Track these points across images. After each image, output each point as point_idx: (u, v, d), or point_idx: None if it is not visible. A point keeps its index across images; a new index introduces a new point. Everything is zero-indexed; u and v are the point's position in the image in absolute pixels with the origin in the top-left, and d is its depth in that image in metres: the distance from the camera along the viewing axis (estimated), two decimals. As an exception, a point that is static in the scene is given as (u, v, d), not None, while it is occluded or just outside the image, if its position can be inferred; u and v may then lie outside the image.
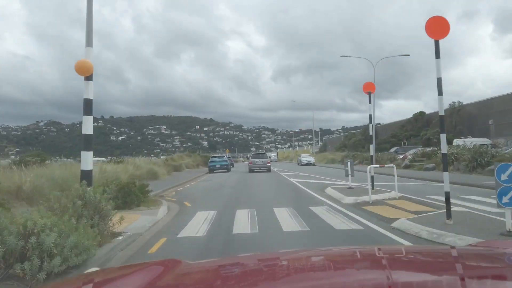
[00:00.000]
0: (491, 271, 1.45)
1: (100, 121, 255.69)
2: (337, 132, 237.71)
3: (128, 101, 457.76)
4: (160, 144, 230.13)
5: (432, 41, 7.49)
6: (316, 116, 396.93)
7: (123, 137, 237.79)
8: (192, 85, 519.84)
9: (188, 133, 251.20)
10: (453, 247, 2.07)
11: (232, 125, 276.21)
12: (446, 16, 7.65)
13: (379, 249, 1.97)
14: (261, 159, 31.59)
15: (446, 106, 25.55)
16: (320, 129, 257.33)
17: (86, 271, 1.99)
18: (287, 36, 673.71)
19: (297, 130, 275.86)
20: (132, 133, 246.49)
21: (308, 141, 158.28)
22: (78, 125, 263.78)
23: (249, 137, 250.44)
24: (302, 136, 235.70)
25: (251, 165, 31.14)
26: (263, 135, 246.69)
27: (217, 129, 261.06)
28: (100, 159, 39.69)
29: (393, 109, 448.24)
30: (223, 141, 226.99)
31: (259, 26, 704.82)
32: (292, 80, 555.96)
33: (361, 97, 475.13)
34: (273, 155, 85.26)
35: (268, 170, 30.76)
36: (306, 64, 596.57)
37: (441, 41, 7.49)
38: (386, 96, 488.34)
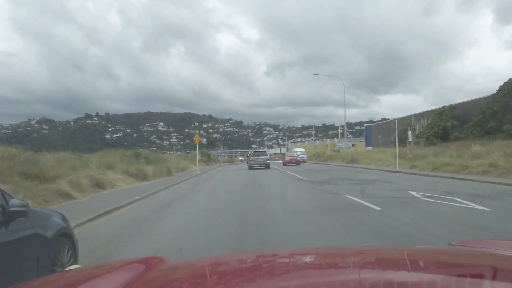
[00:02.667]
0: (471, 270, 1.46)
1: (94, 118, 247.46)
2: (342, 128, 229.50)
3: (124, 98, 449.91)
4: (157, 141, 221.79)
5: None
6: (313, 112, 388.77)
7: (118, 135, 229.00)
8: (186, 82, 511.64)
9: (186, 130, 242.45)
10: (433, 246, 2.35)
11: (232, 121, 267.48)
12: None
13: (373, 247, 2.10)
14: (261, 157, 32.47)
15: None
16: (324, 124, 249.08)
17: (66, 269, 1.88)
18: (280, 29, 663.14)
19: (299, 126, 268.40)
20: (128, 130, 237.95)
21: (312, 137, 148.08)
22: (72, 123, 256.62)
23: (250, 134, 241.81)
24: (304, 132, 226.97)
25: (252, 162, 31.97)
26: (264, 132, 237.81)
27: (216, 125, 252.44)
28: None
29: (392, 104, 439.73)
30: (223, 138, 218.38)
31: (251, 19, 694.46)
32: (288, 75, 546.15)
33: (359, 93, 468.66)
34: (298, 150, 54.69)
35: (268, 167, 31.77)
36: (301, 59, 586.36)
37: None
38: (384, 91, 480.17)
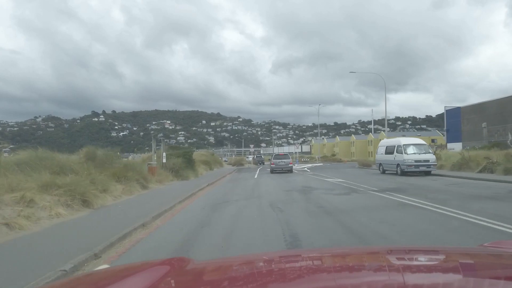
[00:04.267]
0: (504, 272, 1.41)
1: (101, 116, 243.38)
2: (354, 127, 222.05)
3: (131, 96, 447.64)
4: (164, 140, 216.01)
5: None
6: (321, 110, 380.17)
7: (124, 133, 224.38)
8: (193, 80, 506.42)
9: (194, 128, 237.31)
10: (464, 248, 2.19)
11: (241, 119, 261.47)
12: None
13: (389, 249, 1.95)
14: (283, 160, 31.07)
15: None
16: (335, 123, 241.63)
17: (95, 269, 1.91)
18: (288, 26, 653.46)
19: (310, 125, 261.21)
20: (134, 128, 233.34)
21: (323, 136, 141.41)
22: (78, 121, 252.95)
23: (259, 132, 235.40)
24: (315, 131, 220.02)
25: (273, 165, 30.79)
26: (274, 130, 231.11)
27: (224, 123, 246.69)
28: None
29: (402, 103, 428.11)
30: (231, 137, 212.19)
31: (257, 15, 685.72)
32: (296, 72, 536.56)
33: (368, 91, 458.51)
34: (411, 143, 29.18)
35: (290, 170, 30.66)
36: (309, 56, 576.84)
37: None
38: (394, 89, 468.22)
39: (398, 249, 2.18)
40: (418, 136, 72.54)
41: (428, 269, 1.55)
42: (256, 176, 25.81)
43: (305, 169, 35.69)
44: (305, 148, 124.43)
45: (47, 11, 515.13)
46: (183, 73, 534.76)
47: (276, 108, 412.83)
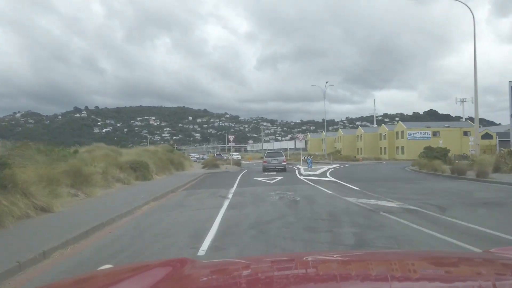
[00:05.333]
0: (505, 278, 1.41)
1: (83, 112, 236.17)
2: (342, 123, 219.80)
3: (115, 93, 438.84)
4: (148, 136, 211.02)
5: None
6: (307, 107, 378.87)
7: (107, 129, 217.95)
8: (178, 77, 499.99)
9: (180, 124, 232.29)
10: (468, 253, 2.11)
11: (228, 116, 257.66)
12: None
13: (392, 253, 1.98)
14: (276, 158, 29.75)
15: None
16: (323, 119, 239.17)
17: (99, 268, 1.81)
18: (273, 23, 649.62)
19: (298, 121, 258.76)
20: (118, 124, 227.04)
21: (311, 132, 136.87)
22: (60, 117, 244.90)
23: (246, 129, 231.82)
24: (304, 128, 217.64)
25: (266, 164, 29.50)
26: (262, 127, 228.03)
27: (211, 120, 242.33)
28: None
29: (387, 101, 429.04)
30: (218, 133, 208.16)
31: (241, 11, 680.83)
32: (281, 69, 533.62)
33: (354, 88, 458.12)
34: None
35: (284, 169, 29.14)
36: (293, 52, 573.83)
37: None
38: (379, 86, 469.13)
39: (401, 254, 2.13)
40: (447, 127, 66.07)
41: (433, 275, 1.52)
42: (230, 194, 13.76)
43: (329, 176, 22.68)
44: (300, 144, 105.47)
45: (22, 3, 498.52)
46: (167, 69, 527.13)
47: (262, 104, 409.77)
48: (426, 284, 1.36)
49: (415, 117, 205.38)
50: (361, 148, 78.80)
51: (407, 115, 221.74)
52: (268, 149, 41.31)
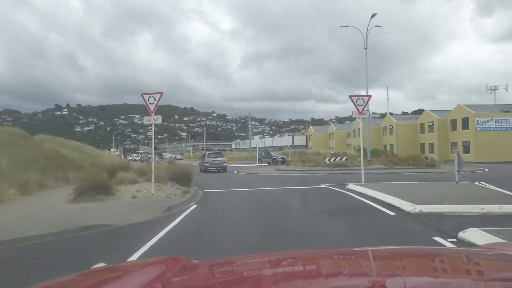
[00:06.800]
0: (498, 273, 1.41)
1: (64, 110, 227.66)
2: (331, 122, 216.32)
3: (98, 90, 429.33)
4: (132, 135, 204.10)
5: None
6: (294, 107, 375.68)
7: (90, 127, 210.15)
8: (163, 75, 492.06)
9: (166, 123, 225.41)
10: (457, 249, 2.05)
11: (215, 114, 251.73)
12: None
13: (377, 250, 1.98)
14: (217, 158, 30.27)
15: None
16: (312, 118, 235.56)
17: (92, 267, 1.77)
18: (259, 21, 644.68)
19: (287, 120, 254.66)
20: (101, 123, 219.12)
21: (294, 134, 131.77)
22: (40, 114, 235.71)
23: (234, 128, 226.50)
24: (292, 127, 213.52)
25: (207, 164, 29.45)
26: (249, 126, 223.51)
27: (198, 119, 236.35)
28: None
29: (373, 100, 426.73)
30: (205, 132, 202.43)
31: (226, 8, 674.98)
32: (267, 67, 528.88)
33: (339, 87, 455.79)
34: None
35: (225, 170, 29.53)
36: (279, 51, 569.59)
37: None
38: (365, 85, 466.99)
39: (386, 251, 2.13)
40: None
41: (420, 271, 1.52)
42: None
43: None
44: (298, 140, 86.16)
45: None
46: (151, 66, 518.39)
47: (250, 103, 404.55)
48: (415, 279, 1.34)
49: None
50: (391, 145, 56.65)
51: (396, 114, 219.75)
52: (209, 151, 39.57)
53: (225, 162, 30.38)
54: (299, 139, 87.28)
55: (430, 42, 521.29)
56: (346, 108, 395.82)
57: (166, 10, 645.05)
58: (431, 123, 52.50)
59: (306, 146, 79.01)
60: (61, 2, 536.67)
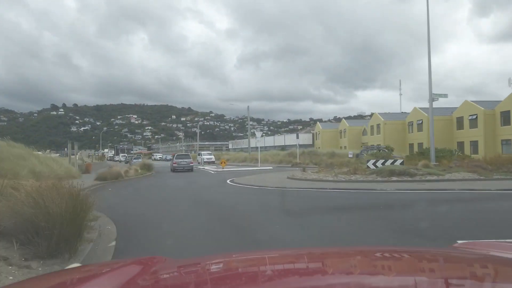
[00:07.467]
0: (475, 272, 1.44)
1: (60, 110, 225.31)
2: (331, 123, 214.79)
3: (95, 90, 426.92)
4: (129, 135, 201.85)
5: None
6: (292, 107, 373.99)
7: (86, 127, 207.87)
8: (160, 75, 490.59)
9: (163, 123, 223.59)
10: (435, 249, 2.07)
11: (213, 114, 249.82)
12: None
13: (357, 249, 1.96)
14: (184, 160, 33.23)
15: None
16: (311, 119, 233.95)
17: (67, 267, 1.73)
18: (254, 18, 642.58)
19: (285, 121, 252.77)
20: (98, 123, 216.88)
21: (299, 132, 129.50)
22: (35, 114, 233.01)
23: (232, 128, 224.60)
24: (291, 127, 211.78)
25: (175, 165, 32.40)
26: (248, 126, 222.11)
27: (196, 119, 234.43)
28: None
29: (371, 100, 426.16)
30: (202, 132, 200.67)
31: (224, 9, 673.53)
32: (264, 67, 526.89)
33: (336, 87, 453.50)
34: None
35: (191, 169, 32.34)
36: (275, 51, 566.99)
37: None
38: (362, 86, 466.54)
39: (366, 250, 2.12)
40: None
41: (398, 270, 1.51)
42: None
43: None
44: (303, 138, 66.97)
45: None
46: (148, 67, 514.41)
47: (246, 104, 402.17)
48: (394, 280, 1.34)
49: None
50: (419, 143, 47.20)
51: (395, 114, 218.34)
52: (178, 153, 42.15)
53: (191, 163, 33.26)
54: (305, 138, 70.99)
55: (427, 42, 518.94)
56: (344, 108, 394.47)
57: (162, 10, 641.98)
58: (474, 117, 43.73)
59: (312, 145, 68.84)
60: (55, 1, 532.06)
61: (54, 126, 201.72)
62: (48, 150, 48.16)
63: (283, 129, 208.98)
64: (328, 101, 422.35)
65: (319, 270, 1.53)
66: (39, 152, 23.13)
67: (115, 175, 22.10)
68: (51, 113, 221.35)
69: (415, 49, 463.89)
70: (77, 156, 28.93)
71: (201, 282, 1.40)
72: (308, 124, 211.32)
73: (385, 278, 1.35)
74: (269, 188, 15.55)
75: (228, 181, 19.45)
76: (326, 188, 15.01)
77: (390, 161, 21.02)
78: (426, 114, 45.28)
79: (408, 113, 55.30)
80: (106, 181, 20.31)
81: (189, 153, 42.28)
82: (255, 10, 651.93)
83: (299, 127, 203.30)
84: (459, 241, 5.03)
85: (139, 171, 27.25)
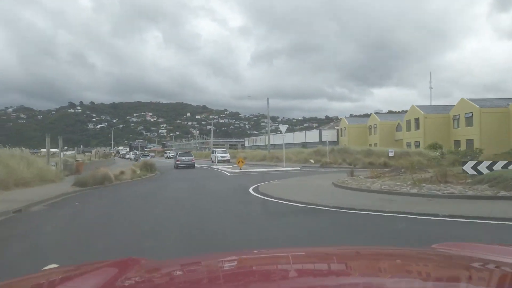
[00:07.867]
0: (452, 272, 1.46)
1: (77, 107, 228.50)
2: (372, 113, 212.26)
3: (111, 89, 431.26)
4: (144, 133, 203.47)
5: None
6: (306, 105, 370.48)
7: (102, 125, 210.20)
8: (175, 74, 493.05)
9: (178, 121, 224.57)
10: (413, 249, 2.06)
11: (228, 112, 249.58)
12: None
13: (337, 249, 1.93)
14: (186, 157, 35.82)
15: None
16: (326, 116, 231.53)
17: (43, 268, 1.70)
18: (266, 16, 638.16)
19: (300, 118, 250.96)
20: (114, 120, 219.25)
21: (321, 128, 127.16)
22: (54, 112, 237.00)
23: (247, 126, 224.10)
24: (306, 125, 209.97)
25: (178, 162, 34.97)
26: (262, 124, 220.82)
27: (210, 116, 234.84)
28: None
29: (386, 99, 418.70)
30: (217, 130, 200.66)
31: (238, 7, 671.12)
32: (280, 66, 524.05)
33: (351, 85, 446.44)
34: None
35: (193, 166, 34.71)
36: (289, 48, 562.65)
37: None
38: (378, 84, 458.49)
39: (344, 250, 2.06)
40: None
41: (376, 270, 1.52)
42: None
43: None
44: (327, 135, 43.72)
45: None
46: (161, 65, 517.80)
47: (262, 102, 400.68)
48: (372, 279, 1.35)
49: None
50: (467, 140, 41.51)
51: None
52: (180, 151, 44.51)
53: (193, 160, 35.57)
54: (328, 134, 60.57)
55: (445, 38, 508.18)
56: (359, 106, 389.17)
57: (174, 7, 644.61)
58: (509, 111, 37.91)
59: (337, 142, 60.13)
60: (71, 0, 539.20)
61: (72, 123, 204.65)
62: (65, 147, 48.07)
63: (298, 127, 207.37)
64: (343, 99, 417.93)
65: (305, 272, 1.49)
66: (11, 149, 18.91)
67: (100, 179, 17.21)
68: (69, 110, 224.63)
69: (431, 45, 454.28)
70: (61, 154, 23.53)
71: (179, 284, 1.39)
72: (323, 122, 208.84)
73: (379, 279, 1.35)
74: (323, 209, 9.72)
75: (251, 190, 14.23)
76: (431, 215, 8.38)
77: (501, 163, 14.65)
78: (477, 106, 41.16)
79: (450, 106, 48.19)
80: (86, 188, 15.85)
81: (190, 152, 43.61)
82: (268, 7, 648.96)
83: (314, 124, 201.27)
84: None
85: (138, 172, 23.27)
